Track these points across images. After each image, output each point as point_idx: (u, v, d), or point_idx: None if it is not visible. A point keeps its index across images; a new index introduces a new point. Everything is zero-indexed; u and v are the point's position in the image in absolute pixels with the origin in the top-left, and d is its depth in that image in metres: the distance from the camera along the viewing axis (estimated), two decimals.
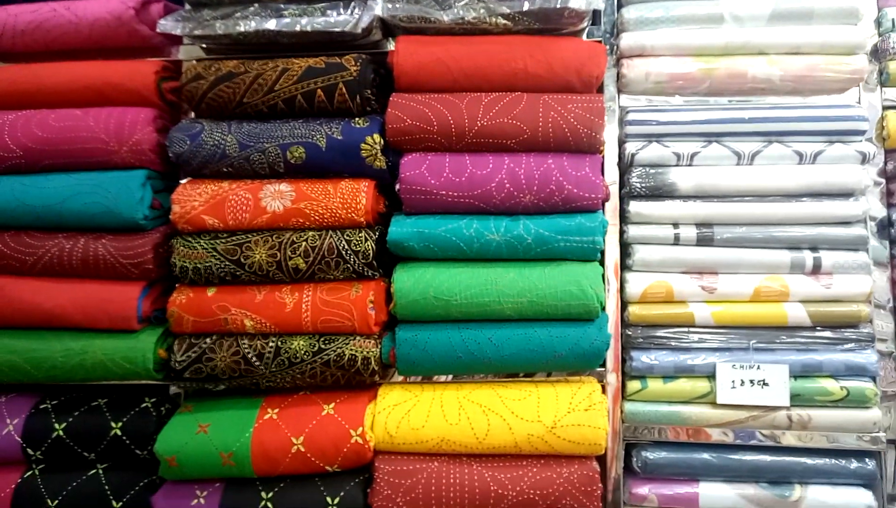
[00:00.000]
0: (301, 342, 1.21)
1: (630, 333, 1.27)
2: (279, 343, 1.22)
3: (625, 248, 1.29)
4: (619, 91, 1.31)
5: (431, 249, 1.20)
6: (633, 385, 1.27)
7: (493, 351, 1.20)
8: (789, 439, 1.26)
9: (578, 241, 1.19)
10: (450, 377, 1.27)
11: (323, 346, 1.21)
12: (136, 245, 1.22)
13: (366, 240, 1.21)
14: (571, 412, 1.18)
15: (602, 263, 1.25)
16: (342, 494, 1.19)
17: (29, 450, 1.24)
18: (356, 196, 1.20)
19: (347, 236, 1.21)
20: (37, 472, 1.25)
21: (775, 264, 1.26)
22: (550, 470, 1.18)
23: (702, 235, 1.26)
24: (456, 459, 1.20)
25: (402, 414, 1.20)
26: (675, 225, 1.27)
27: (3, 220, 1.23)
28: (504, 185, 1.17)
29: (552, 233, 1.18)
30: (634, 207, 1.27)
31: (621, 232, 1.29)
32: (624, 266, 1.30)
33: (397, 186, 1.20)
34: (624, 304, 1.28)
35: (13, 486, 1.23)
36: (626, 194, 1.28)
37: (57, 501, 1.21)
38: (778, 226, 1.26)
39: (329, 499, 1.18)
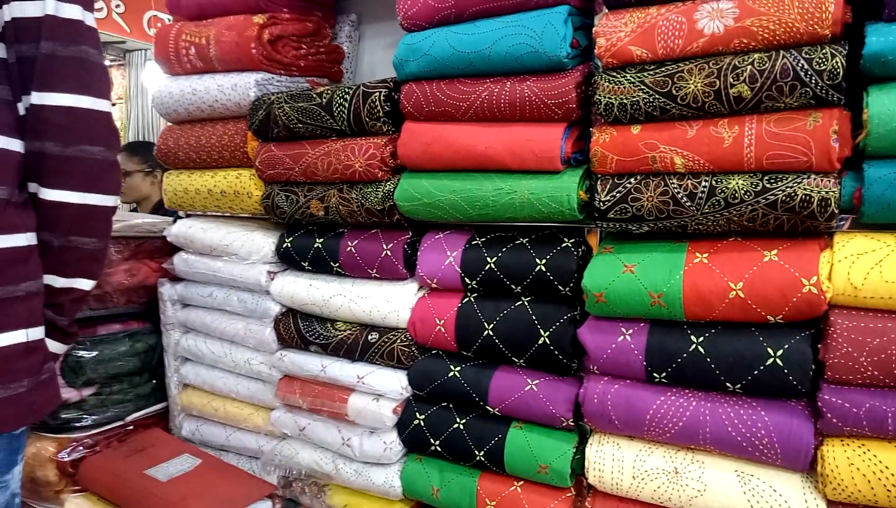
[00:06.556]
0: (740, 181, 1.09)
1: None
2: (713, 182, 1.11)
3: None
4: None
5: None
6: None
7: None
8: None
9: None
10: None
11: (768, 185, 1.07)
12: (559, 85, 1.22)
13: (832, 57, 1.00)
14: None
15: None
16: (786, 346, 1.08)
17: (466, 279, 1.39)
18: (821, 4, 1.00)
19: (806, 53, 1.02)
20: (472, 299, 1.41)
21: None
22: None
23: None
24: None
25: (872, 264, 1.02)
26: None
27: (440, 69, 1.33)
28: None
29: None
30: None
31: None
32: None
33: None
34: None
35: (455, 308, 1.41)
36: None
37: (493, 324, 1.35)
38: None
39: (770, 351, 1.09)
